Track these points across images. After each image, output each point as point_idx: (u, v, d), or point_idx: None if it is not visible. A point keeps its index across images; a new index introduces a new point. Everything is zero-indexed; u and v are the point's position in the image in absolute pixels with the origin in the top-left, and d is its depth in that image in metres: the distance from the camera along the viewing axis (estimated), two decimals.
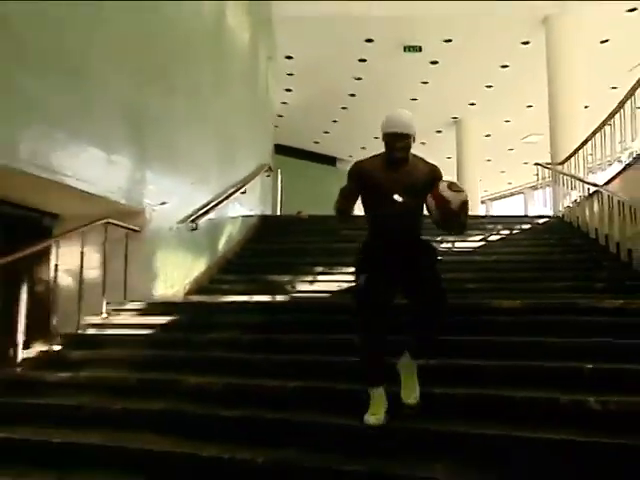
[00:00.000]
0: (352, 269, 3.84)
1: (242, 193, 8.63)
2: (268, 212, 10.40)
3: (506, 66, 12.83)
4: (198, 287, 7.17)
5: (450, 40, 11.73)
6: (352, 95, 14.40)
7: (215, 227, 7.96)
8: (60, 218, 6.49)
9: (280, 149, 12.76)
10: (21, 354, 5.13)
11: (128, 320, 5.72)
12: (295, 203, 11.67)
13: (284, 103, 14.00)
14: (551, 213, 10.45)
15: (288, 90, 13.70)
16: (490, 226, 9.17)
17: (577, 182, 8.83)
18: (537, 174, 12.97)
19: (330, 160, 18.67)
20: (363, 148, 17.82)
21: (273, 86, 11.16)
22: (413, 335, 3.33)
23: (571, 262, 7.11)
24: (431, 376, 3.46)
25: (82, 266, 5.70)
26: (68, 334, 5.40)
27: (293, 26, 10.70)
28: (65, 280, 5.79)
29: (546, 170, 11.26)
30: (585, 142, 8.83)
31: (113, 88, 6.23)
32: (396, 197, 3.19)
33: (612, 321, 4.35)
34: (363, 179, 3.35)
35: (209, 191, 7.77)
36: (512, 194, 21.81)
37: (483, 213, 17.18)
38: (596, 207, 7.81)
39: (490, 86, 13.79)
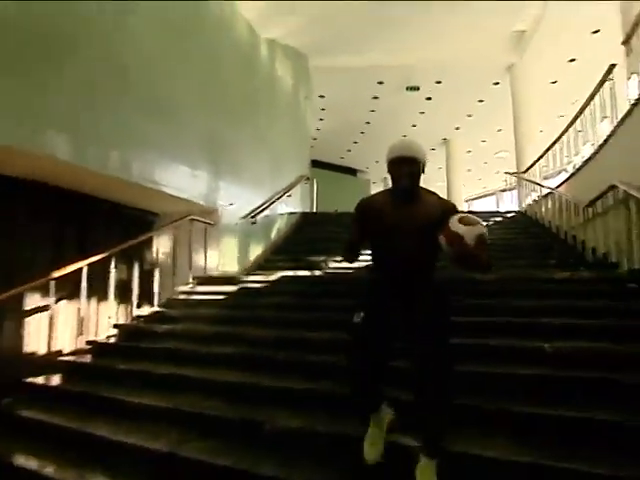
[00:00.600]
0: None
1: (288, 196, 8.68)
2: (307, 210, 10.45)
3: (482, 100, 12.72)
4: (256, 265, 7.20)
5: (440, 82, 11.69)
6: (368, 123, 14.35)
7: (268, 221, 7.99)
8: (159, 216, 6.67)
9: (315, 163, 12.78)
10: (136, 312, 5.34)
11: (207, 289, 5.76)
12: (326, 203, 11.73)
13: (318, 129, 13.98)
14: (516, 209, 10.38)
15: (321, 120, 13.69)
16: None
17: (536, 186, 8.77)
18: (506, 180, 12.95)
19: (352, 171, 18.58)
20: (377, 162, 17.79)
21: (309, 117, 11.16)
22: (418, 409, 2.11)
23: (531, 245, 7.02)
24: None
25: (175, 250, 5.86)
26: (167, 299, 5.56)
27: (324, 74, 10.72)
28: (163, 260, 5.92)
29: (512, 177, 11.21)
30: (541, 157, 8.80)
31: (195, 124, 6.41)
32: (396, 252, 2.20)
33: (561, 288, 4.34)
34: (367, 215, 2.29)
35: (264, 195, 7.84)
36: (487, 195, 21.50)
37: (466, 209, 16.95)
38: (550, 204, 7.75)
39: (470, 115, 13.67)
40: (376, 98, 12.67)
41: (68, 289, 5.19)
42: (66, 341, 5.21)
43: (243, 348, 3.91)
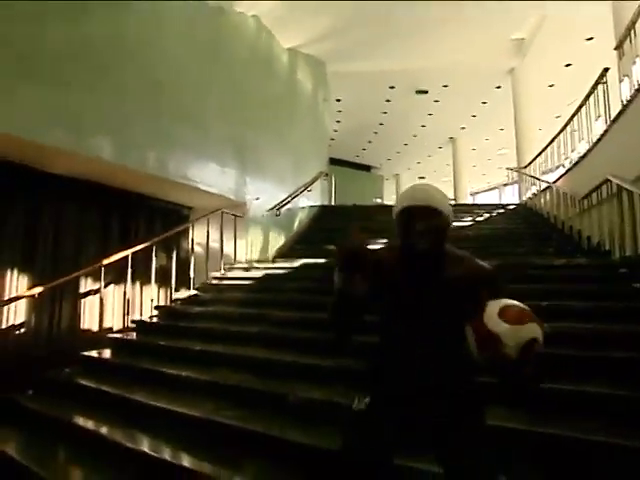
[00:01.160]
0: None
1: (309, 191, 8.62)
2: (326, 203, 10.45)
3: (485, 102, 12.49)
4: (280, 253, 7.20)
5: (447, 85, 11.51)
6: (381, 124, 14.21)
7: (291, 214, 7.99)
8: (193, 209, 6.73)
9: (333, 161, 12.73)
10: (174, 295, 5.44)
11: (237, 274, 5.82)
12: (344, 197, 11.71)
13: (335, 130, 13.92)
14: (518, 202, 10.23)
15: (338, 121, 13.61)
16: (476, 211, 9.04)
17: (535, 180, 8.63)
18: (508, 175, 12.70)
19: (366, 168, 18.44)
20: (389, 159, 17.69)
21: (327, 119, 11.12)
22: None
23: (531, 234, 6.89)
24: None
25: (208, 240, 5.91)
26: (201, 283, 5.63)
27: (341, 79, 10.64)
28: (198, 249, 5.96)
29: (514, 172, 11.01)
30: (540, 153, 8.61)
31: (223, 128, 6.48)
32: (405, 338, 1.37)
33: (559, 273, 4.27)
34: (373, 278, 1.37)
35: (287, 190, 7.81)
36: (490, 189, 21.19)
37: (471, 202, 16.76)
38: (548, 197, 7.62)
39: (475, 116, 13.43)
40: (388, 101, 12.53)
41: (115, 275, 5.32)
42: (114, 320, 5.36)
43: (269, 328, 3.95)
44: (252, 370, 3.25)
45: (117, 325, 5.30)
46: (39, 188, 4.87)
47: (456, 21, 8.51)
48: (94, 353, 4.28)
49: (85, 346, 4.50)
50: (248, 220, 6.76)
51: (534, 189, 8.75)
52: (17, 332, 4.48)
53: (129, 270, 5.02)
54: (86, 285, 5.20)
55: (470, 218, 8.37)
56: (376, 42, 9.23)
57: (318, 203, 9.70)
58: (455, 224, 7.80)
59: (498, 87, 11.45)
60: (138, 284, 5.72)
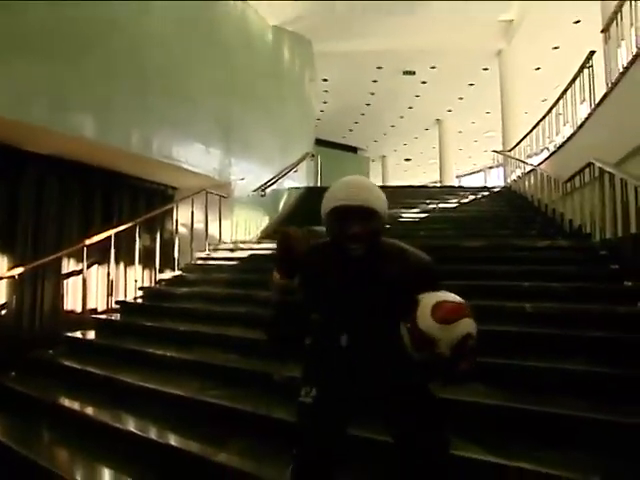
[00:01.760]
0: None
1: (294, 172, 8.59)
2: (312, 184, 10.42)
3: (472, 84, 12.45)
4: (266, 234, 7.20)
5: (434, 67, 11.46)
6: (368, 105, 14.09)
7: (276, 194, 7.98)
8: (178, 189, 6.66)
9: (319, 142, 12.60)
10: (158, 276, 5.40)
11: (222, 255, 5.80)
12: (330, 178, 11.63)
13: (322, 111, 13.80)
14: (503, 184, 10.32)
15: (324, 102, 13.50)
16: (462, 193, 9.09)
17: (520, 163, 8.70)
18: (493, 158, 12.80)
19: (352, 149, 18.34)
20: (375, 141, 17.61)
21: (314, 99, 11.02)
22: None
23: (515, 217, 6.92)
24: None
25: (192, 220, 5.87)
26: (186, 264, 5.61)
27: (328, 58, 10.51)
28: (182, 230, 5.92)
29: (499, 155, 11.08)
30: (525, 137, 8.70)
31: (209, 105, 6.36)
32: (343, 340, 1.34)
33: (541, 255, 4.31)
34: (303, 278, 1.35)
35: (272, 170, 7.77)
36: (476, 172, 21.32)
37: (457, 184, 16.85)
38: (532, 180, 7.68)
39: (461, 98, 13.41)
40: (375, 82, 12.42)
41: (98, 255, 5.26)
42: (98, 301, 5.31)
43: (255, 308, 3.93)
44: (238, 350, 3.25)
45: (101, 306, 5.26)
46: (19, 167, 4.74)
47: (445, 1, 8.43)
48: (78, 334, 4.25)
49: (69, 327, 4.46)
50: (233, 200, 6.71)
51: (519, 172, 8.83)
52: None
53: (112, 251, 4.96)
54: (69, 266, 5.13)
55: (455, 200, 8.44)
56: (363, 21, 9.12)
57: (304, 184, 9.67)
58: (441, 206, 7.94)
59: (485, 69, 11.44)
60: (122, 265, 5.66)
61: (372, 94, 13.29)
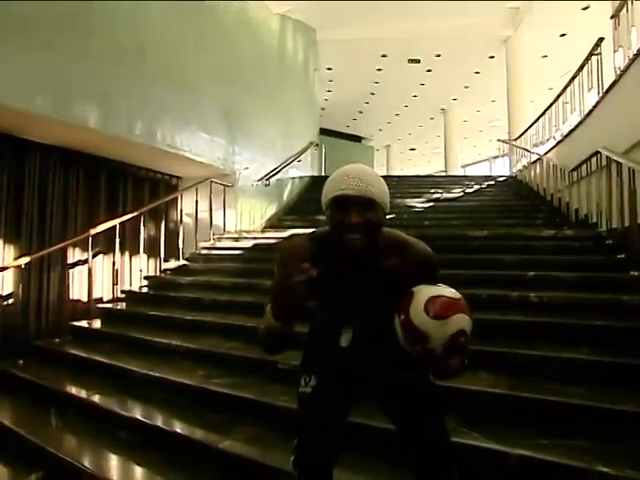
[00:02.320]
0: None
1: (298, 161, 8.56)
2: (316, 174, 10.39)
3: (478, 72, 12.28)
4: (270, 224, 7.21)
5: (440, 55, 11.30)
6: (372, 94, 13.94)
7: (281, 184, 7.95)
8: (182, 179, 6.64)
9: (323, 131, 12.52)
10: (163, 265, 5.44)
11: (226, 244, 5.81)
12: (334, 168, 11.46)
13: (326, 100, 13.69)
14: (508, 174, 10.25)
15: (329, 91, 13.36)
16: (467, 182, 9.06)
17: (526, 152, 8.63)
18: (499, 148, 12.69)
19: (357, 138, 18.19)
20: (380, 130, 17.47)
21: (318, 88, 10.93)
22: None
23: (520, 206, 6.98)
24: None
25: (197, 210, 5.89)
26: (190, 253, 5.63)
27: (332, 46, 10.39)
28: (186, 219, 5.94)
29: (505, 144, 11.01)
30: (531, 125, 8.60)
31: (213, 94, 6.32)
32: (343, 339, 1.32)
33: (546, 244, 4.30)
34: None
35: (276, 160, 7.73)
36: (481, 161, 21.16)
37: (462, 174, 16.74)
38: (538, 169, 7.63)
39: (467, 86, 13.24)
40: (380, 70, 12.29)
41: (104, 245, 5.28)
42: (104, 290, 5.34)
43: (258, 297, 3.94)
44: (242, 338, 3.26)
45: (106, 295, 5.29)
46: (23, 157, 4.75)
47: None
48: (84, 323, 4.29)
49: (74, 316, 4.51)
50: (237, 190, 6.69)
51: (524, 161, 8.76)
52: (5, 303, 4.45)
53: (117, 240, 4.98)
54: (74, 255, 5.15)
55: (460, 189, 8.40)
56: (368, 9, 8.99)
57: (308, 174, 9.63)
58: (446, 195, 7.91)
59: (491, 57, 11.28)
60: (127, 254, 5.68)
61: (376, 83, 13.16)
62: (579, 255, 3.94)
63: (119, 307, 4.61)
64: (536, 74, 10.83)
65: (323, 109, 13.46)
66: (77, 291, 5.12)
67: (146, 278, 5.14)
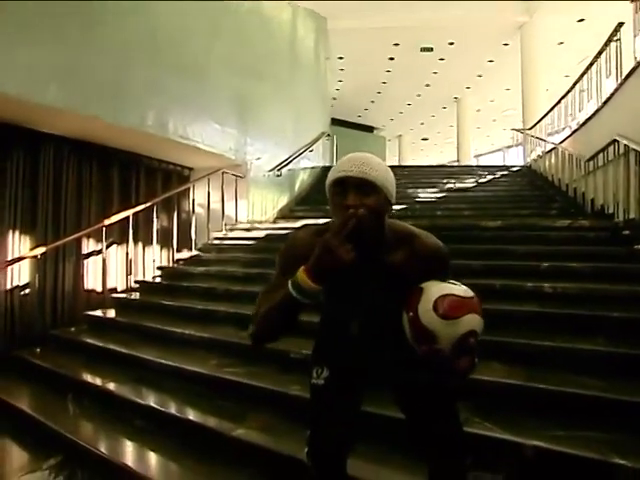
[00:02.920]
0: None
1: (310, 151, 8.51)
2: (328, 164, 10.34)
3: (492, 61, 12.08)
4: (282, 214, 7.21)
5: (453, 43, 11.12)
6: (384, 83, 13.79)
7: (292, 174, 7.91)
8: (194, 170, 6.65)
9: (334, 121, 12.45)
10: (176, 256, 5.48)
11: (238, 235, 5.83)
12: None
13: (337, 89, 13.61)
14: (522, 163, 10.10)
15: (340, 81, 13.26)
16: (480, 172, 8.97)
17: (540, 142, 8.49)
18: (513, 137, 12.51)
19: (369, 128, 18.05)
20: (392, 119, 17.30)
21: (330, 78, 10.83)
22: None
23: (535, 196, 6.89)
24: None
25: (209, 200, 5.91)
26: (203, 244, 5.67)
27: (343, 35, 10.28)
28: (199, 210, 5.96)
29: (519, 134, 10.85)
30: (546, 114, 8.45)
31: (224, 83, 6.30)
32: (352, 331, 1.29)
33: (561, 235, 4.25)
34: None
35: (288, 150, 7.67)
36: (494, 151, 20.89)
37: (475, 164, 16.55)
38: (553, 159, 7.51)
39: (480, 75, 13.04)
40: (392, 59, 12.14)
41: (117, 235, 5.33)
42: (118, 280, 5.40)
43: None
44: None
45: (120, 285, 5.35)
46: (37, 149, 4.79)
47: None
48: (99, 312, 4.35)
49: (89, 306, 4.56)
50: (249, 180, 6.68)
51: (539, 151, 8.63)
52: (22, 292, 4.52)
53: (130, 231, 5.03)
54: (88, 246, 5.21)
55: (473, 179, 8.32)
56: None
57: (320, 164, 9.58)
58: (459, 185, 7.84)
59: (506, 44, 11.06)
60: (140, 244, 5.73)
61: (388, 72, 13.01)
62: (595, 246, 3.87)
63: (133, 297, 4.66)
64: (551, 62, 10.62)
65: (334, 99, 13.36)
66: (92, 281, 5.18)
67: (159, 268, 5.19)
